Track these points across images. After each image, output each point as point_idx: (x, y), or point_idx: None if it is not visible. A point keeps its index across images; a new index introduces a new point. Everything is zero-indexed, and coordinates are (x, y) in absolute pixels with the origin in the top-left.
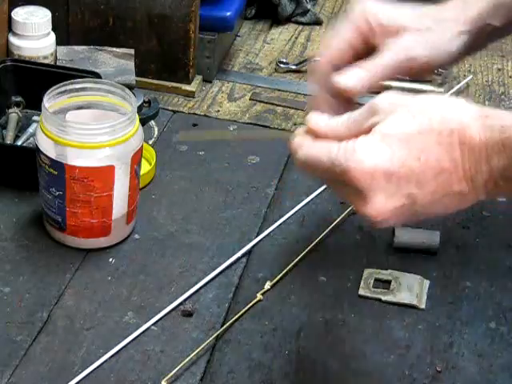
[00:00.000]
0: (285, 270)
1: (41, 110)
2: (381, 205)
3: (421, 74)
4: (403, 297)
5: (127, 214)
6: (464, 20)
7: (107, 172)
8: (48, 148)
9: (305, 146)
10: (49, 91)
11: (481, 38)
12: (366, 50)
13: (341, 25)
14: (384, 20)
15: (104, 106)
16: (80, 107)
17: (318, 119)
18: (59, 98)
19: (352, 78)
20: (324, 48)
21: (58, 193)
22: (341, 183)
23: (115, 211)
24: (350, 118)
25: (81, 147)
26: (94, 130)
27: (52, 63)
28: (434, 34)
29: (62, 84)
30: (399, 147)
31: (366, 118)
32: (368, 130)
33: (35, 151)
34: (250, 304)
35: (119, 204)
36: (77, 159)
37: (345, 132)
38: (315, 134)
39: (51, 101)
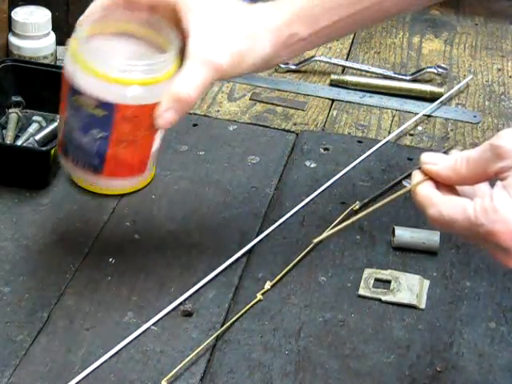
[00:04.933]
0: (285, 270)
1: (41, 110)
2: None
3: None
4: (403, 297)
5: (158, 150)
6: (271, 29)
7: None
8: (97, 88)
9: (435, 205)
10: (78, 22)
11: (286, 47)
12: (164, 7)
13: None
14: (194, 7)
15: (139, 38)
16: (112, 35)
17: (434, 158)
18: (89, 25)
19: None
20: None
21: (100, 135)
22: (481, 239)
23: (154, 148)
24: (469, 158)
25: (135, 84)
26: (149, 66)
27: (52, 63)
28: (240, 44)
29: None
30: None
31: (491, 160)
32: (493, 175)
33: (30, 146)
34: (250, 304)
35: (157, 140)
36: (129, 98)
37: (468, 175)
38: (437, 178)
39: (82, 30)
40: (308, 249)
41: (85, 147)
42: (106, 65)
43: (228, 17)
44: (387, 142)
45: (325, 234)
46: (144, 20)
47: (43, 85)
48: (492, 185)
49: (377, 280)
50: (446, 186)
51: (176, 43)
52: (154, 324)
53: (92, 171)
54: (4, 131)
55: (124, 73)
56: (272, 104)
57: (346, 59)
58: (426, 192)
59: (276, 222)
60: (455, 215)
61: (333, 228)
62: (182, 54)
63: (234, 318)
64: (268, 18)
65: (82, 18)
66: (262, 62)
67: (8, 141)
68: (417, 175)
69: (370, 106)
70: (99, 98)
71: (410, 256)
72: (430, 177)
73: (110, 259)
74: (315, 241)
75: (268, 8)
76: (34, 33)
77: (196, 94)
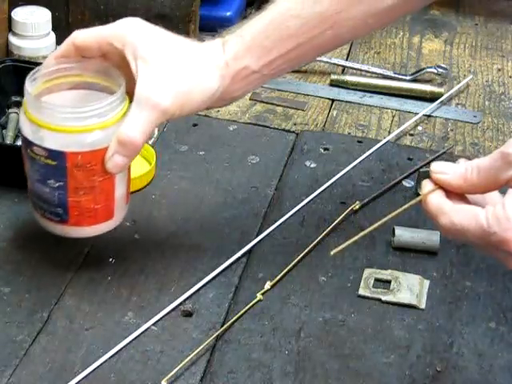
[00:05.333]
0: (285, 270)
1: None
2: None
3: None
4: (403, 297)
5: (126, 193)
6: (220, 65)
7: None
8: (44, 138)
9: (447, 213)
10: (30, 75)
11: (238, 81)
12: (113, 52)
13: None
14: (139, 50)
15: (91, 86)
16: (64, 88)
17: (444, 167)
18: (42, 79)
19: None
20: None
21: (57, 184)
22: (494, 248)
23: (117, 192)
24: (480, 166)
25: (82, 131)
26: (93, 111)
27: None
28: (186, 83)
29: (44, 65)
30: None
31: (502, 168)
32: (504, 183)
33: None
34: (250, 304)
35: (119, 184)
36: (77, 145)
37: (479, 184)
38: (448, 187)
39: (33, 84)
40: (308, 249)
41: (47, 198)
42: (51, 115)
43: (174, 57)
44: (387, 142)
45: (342, 246)
46: (95, 70)
47: None
48: (502, 192)
49: (377, 280)
50: (457, 194)
51: (122, 87)
52: (154, 324)
53: (58, 221)
54: (4, 131)
55: (69, 121)
56: (272, 104)
57: (346, 59)
58: (437, 201)
59: (276, 222)
60: (467, 224)
61: (332, 226)
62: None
63: (234, 318)
64: (216, 54)
65: (32, 72)
66: (212, 98)
67: (8, 141)
68: (427, 184)
69: (369, 106)
70: (47, 148)
71: (410, 256)
72: (440, 186)
73: (110, 259)
74: (332, 253)
75: (216, 44)
76: (33, 33)
77: (142, 137)
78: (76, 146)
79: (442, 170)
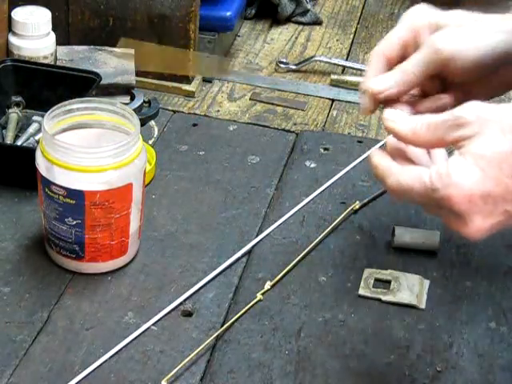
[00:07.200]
0: (285, 270)
1: (41, 110)
2: (479, 225)
3: (459, 75)
4: (403, 297)
5: (139, 228)
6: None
7: (126, 191)
8: (63, 178)
9: (393, 174)
10: (48, 112)
11: None
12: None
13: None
14: (430, 18)
15: (105, 125)
16: (79, 127)
17: (396, 116)
18: (58, 119)
19: (381, 80)
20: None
21: (75, 222)
22: (436, 206)
23: (131, 228)
24: (431, 122)
25: (101, 171)
26: (111, 151)
27: (52, 63)
28: (470, 29)
29: (61, 104)
30: (492, 168)
31: (452, 128)
32: (452, 142)
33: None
34: (250, 304)
35: (134, 220)
36: (94, 184)
37: (425, 138)
38: (395, 135)
39: (50, 123)
40: (308, 249)
41: (64, 236)
42: (70, 155)
43: None
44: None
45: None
46: (109, 109)
47: (43, 85)
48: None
49: (377, 280)
50: (404, 157)
51: (138, 126)
52: (154, 324)
53: (75, 258)
54: (4, 131)
55: (87, 161)
56: (272, 104)
57: (346, 59)
58: (386, 164)
59: (276, 222)
60: (412, 183)
61: (332, 226)
62: None
63: (234, 318)
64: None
65: (50, 111)
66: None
67: (8, 141)
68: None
69: None
70: (66, 187)
71: (410, 256)
72: (387, 151)
73: None
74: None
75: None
76: (33, 33)
77: None
78: (93, 184)
79: (393, 118)
